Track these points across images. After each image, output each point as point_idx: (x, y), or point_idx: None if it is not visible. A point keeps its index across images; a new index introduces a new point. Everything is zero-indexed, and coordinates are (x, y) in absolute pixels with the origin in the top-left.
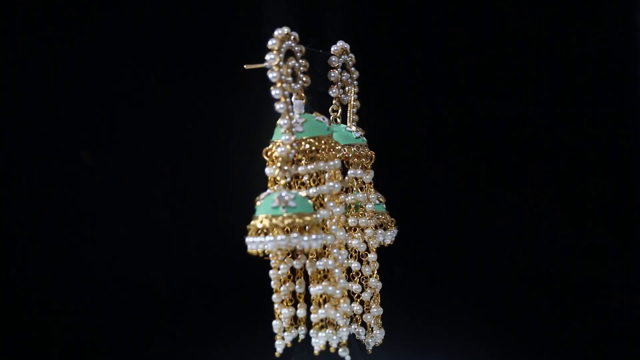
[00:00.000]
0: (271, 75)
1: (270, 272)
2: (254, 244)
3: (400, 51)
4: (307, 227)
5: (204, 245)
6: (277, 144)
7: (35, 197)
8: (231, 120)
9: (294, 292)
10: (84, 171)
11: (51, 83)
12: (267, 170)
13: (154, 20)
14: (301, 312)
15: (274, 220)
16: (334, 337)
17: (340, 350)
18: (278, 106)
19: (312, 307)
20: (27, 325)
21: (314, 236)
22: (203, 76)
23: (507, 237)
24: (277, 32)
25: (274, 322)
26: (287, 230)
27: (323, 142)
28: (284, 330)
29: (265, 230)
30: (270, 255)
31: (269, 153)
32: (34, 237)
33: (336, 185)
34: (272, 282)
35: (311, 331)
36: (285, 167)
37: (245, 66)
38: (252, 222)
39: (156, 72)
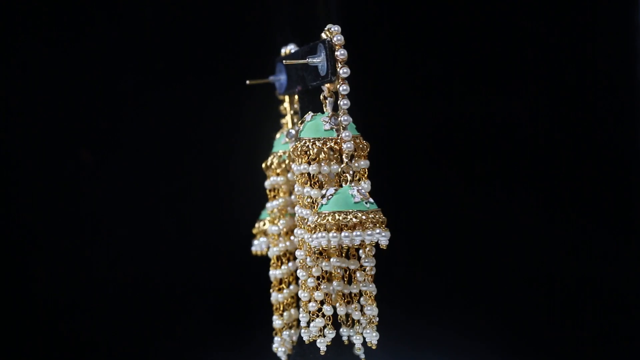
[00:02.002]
0: (343, 71)
1: (314, 270)
2: (335, 238)
3: (398, 45)
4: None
5: (205, 246)
6: (312, 140)
7: (32, 196)
8: (232, 121)
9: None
10: (85, 171)
11: (49, 82)
12: (310, 168)
13: (151, 22)
14: (342, 311)
15: (362, 216)
16: (374, 334)
17: (359, 349)
18: (345, 102)
19: (354, 305)
20: (24, 325)
21: (387, 232)
22: (204, 76)
23: (508, 237)
24: (336, 28)
25: (317, 320)
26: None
27: (359, 140)
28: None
29: (329, 226)
30: (299, 254)
31: (304, 151)
32: (31, 237)
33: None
34: (309, 280)
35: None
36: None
37: (247, 82)
38: (323, 219)
39: (156, 73)
